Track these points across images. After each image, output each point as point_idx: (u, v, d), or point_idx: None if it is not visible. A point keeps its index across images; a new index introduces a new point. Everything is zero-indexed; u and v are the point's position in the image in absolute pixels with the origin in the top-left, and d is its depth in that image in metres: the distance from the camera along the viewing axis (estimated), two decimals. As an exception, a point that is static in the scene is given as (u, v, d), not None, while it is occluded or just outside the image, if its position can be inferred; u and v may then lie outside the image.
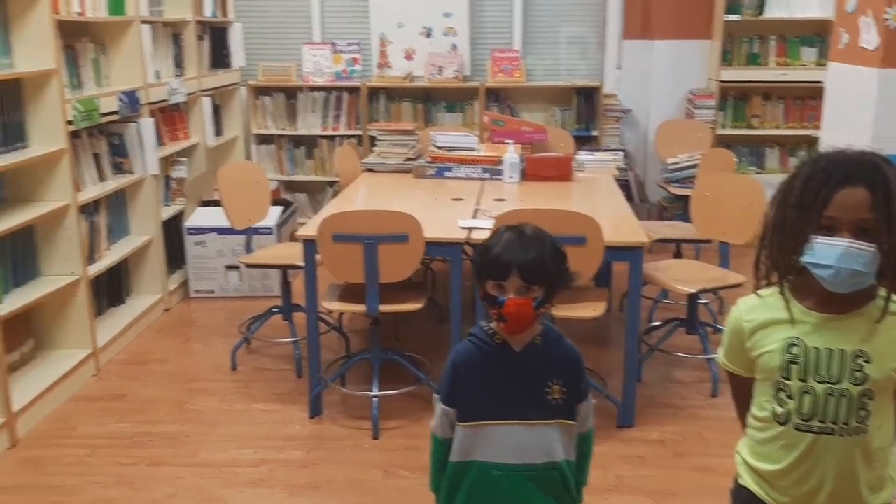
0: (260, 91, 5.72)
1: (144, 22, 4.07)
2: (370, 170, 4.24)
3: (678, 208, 5.60)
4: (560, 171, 4.01)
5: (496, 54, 5.71)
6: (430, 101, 5.76)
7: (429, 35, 5.78)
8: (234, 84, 5.51)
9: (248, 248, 3.78)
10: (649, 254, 3.31)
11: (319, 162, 5.79)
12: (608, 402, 3.17)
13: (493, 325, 1.73)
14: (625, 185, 5.66)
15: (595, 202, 3.58)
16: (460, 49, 5.77)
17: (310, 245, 3.01)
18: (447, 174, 4.09)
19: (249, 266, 3.62)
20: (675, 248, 4.31)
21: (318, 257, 3.01)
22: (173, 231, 4.48)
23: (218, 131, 5.39)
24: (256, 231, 4.03)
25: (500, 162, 4.03)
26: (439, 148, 4.19)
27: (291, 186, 5.85)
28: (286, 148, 5.79)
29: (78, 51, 3.76)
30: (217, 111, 5.41)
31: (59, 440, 3.03)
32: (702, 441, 3.04)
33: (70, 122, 3.37)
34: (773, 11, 5.46)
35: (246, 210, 3.71)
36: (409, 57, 5.82)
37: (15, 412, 2.99)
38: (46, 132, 3.31)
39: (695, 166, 5.24)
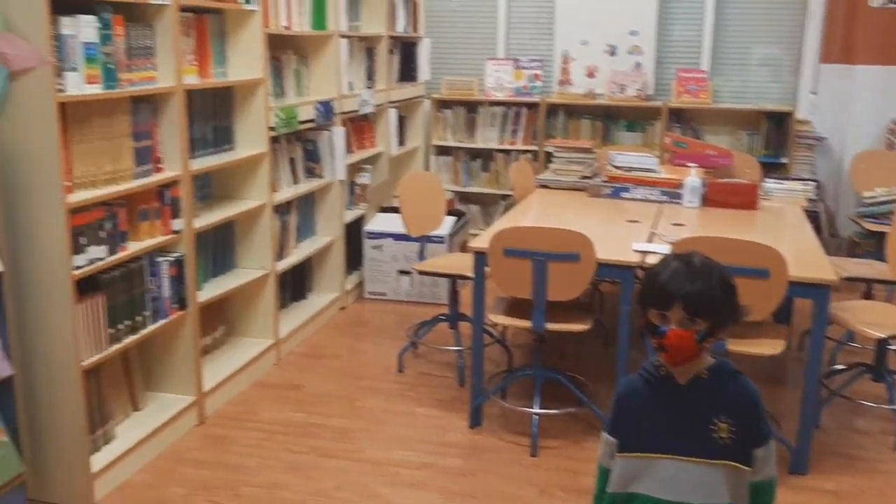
0: (442, 104, 5.89)
1: (343, 36, 4.32)
2: (544, 186, 4.27)
3: (871, 245, 5.22)
4: (744, 199, 3.86)
5: (682, 74, 5.57)
6: (610, 119, 5.71)
7: (613, 53, 5.73)
8: (419, 97, 5.71)
9: (421, 256, 3.92)
10: (836, 292, 3.12)
11: (494, 175, 5.88)
12: (781, 444, 3.01)
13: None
14: (814, 217, 5.34)
15: (780, 234, 3.42)
16: (644, 67, 5.68)
17: (480, 257, 3.08)
18: (623, 195, 4.05)
19: (421, 273, 3.75)
20: (866, 288, 4.01)
21: (487, 270, 3.08)
22: (353, 234, 4.72)
23: (401, 141, 5.61)
24: (430, 239, 4.17)
25: (680, 185, 3.94)
26: (617, 168, 4.15)
27: (466, 198, 5.98)
28: (463, 160, 5.93)
29: (283, 62, 4.05)
30: (401, 122, 5.63)
31: (241, 422, 3.27)
32: (882, 497, 2.82)
33: (272, 129, 3.64)
34: None
35: (422, 219, 3.84)
36: (590, 74, 5.80)
37: (204, 392, 3.26)
38: (251, 136, 3.59)
39: (894, 201, 4.87)
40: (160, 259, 2.94)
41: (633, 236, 3.28)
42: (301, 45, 4.23)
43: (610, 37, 5.71)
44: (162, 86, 2.90)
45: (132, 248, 2.80)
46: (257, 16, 3.47)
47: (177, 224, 3.00)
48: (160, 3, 2.83)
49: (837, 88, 5.43)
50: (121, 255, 2.73)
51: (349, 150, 4.74)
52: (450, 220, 4.69)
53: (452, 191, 5.92)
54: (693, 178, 3.88)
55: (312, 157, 4.26)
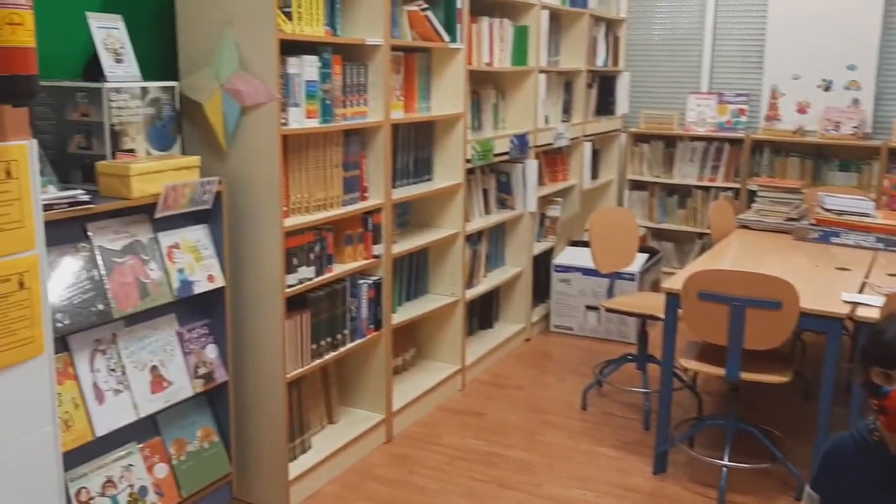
0: (639, 138, 5.81)
1: (542, 72, 4.39)
2: (745, 226, 4.08)
3: None
4: (975, 250, 3.49)
5: (907, 111, 5.14)
6: (822, 158, 5.37)
7: (828, 88, 5.40)
8: (616, 130, 5.67)
9: (610, 293, 3.87)
10: None
11: (691, 212, 5.70)
12: None
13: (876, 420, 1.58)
14: None
15: None
16: (863, 104, 5.30)
17: (673, 299, 3.00)
18: (833, 240, 3.79)
19: (609, 311, 3.70)
20: None
21: (679, 312, 2.99)
22: (541, 266, 4.74)
23: (594, 175, 5.59)
24: (620, 276, 4.12)
25: (899, 232, 3.63)
26: (827, 210, 3.89)
27: (660, 234, 5.84)
28: (658, 195, 5.80)
29: (482, 96, 4.18)
30: (595, 155, 5.61)
31: (425, 444, 3.37)
32: None
33: (468, 161, 3.76)
34: None
35: (613, 255, 3.80)
36: (802, 110, 5.49)
37: (394, 411, 3.40)
38: (448, 168, 3.73)
39: None
40: (361, 282, 3.12)
41: (842, 285, 3.06)
42: (500, 80, 4.35)
43: (825, 71, 5.38)
44: (371, 120, 3.09)
45: (337, 269, 2.99)
46: (461, 54, 3.61)
47: (377, 249, 3.17)
48: (374, 43, 3.03)
49: None
50: (327, 276, 2.93)
51: (541, 183, 4.79)
52: (641, 258, 4.60)
53: (646, 227, 5.80)
54: (915, 224, 3.56)
55: (505, 188, 4.35)
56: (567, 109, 4.96)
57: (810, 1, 5.32)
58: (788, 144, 5.40)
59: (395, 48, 3.26)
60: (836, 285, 3.06)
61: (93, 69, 2.44)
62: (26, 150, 1.78)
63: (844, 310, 2.80)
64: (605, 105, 5.61)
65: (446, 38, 3.53)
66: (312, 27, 2.78)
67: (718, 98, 5.62)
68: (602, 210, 3.87)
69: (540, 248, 4.71)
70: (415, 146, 3.62)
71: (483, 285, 4.16)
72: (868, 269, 3.32)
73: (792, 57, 5.44)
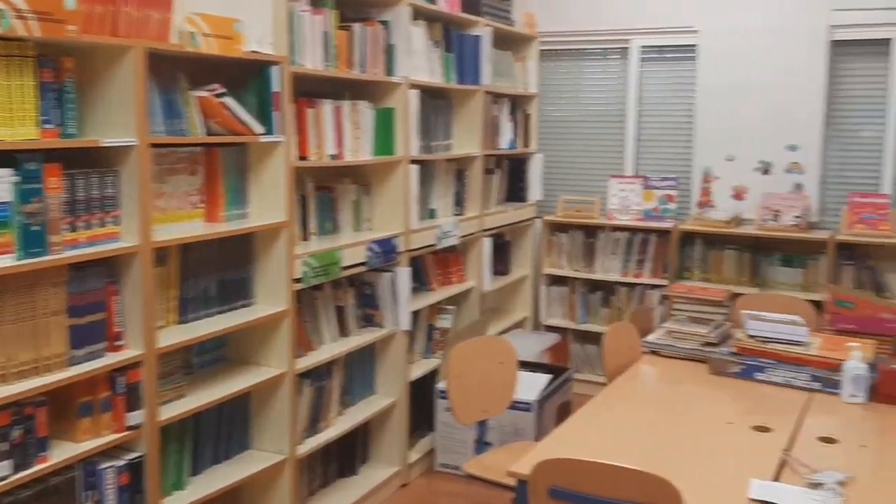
0: (557, 227, 5.08)
1: (415, 162, 3.66)
2: (655, 352, 3.32)
3: None
4: (933, 396, 2.74)
5: (855, 199, 4.45)
6: (762, 251, 4.64)
7: (766, 171, 4.72)
8: (529, 219, 4.94)
9: (479, 446, 3.06)
10: None
11: (616, 312, 4.94)
12: None
13: None
14: None
15: None
16: (807, 189, 4.61)
17: (522, 488, 2.20)
18: (757, 376, 3.02)
19: (472, 477, 2.87)
20: None
21: None
22: (424, 391, 3.94)
23: (504, 271, 4.84)
24: (515, 406, 3.34)
25: (839, 367, 2.87)
26: (751, 336, 3.13)
27: (583, 336, 5.07)
28: (580, 292, 5.04)
29: (337, 193, 3.43)
30: (506, 248, 4.88)
31: None
32: None
33: (298, 280, 2.98)
34: None
35: (480, 400, 3.01)
36: (738, 196, 4.80)
37: None
38: (272, 290, 2.95)
39: None
40: (105, 466, 2.29)
41: (754, 464, 2.28)
42: (362, 173, 3.61)
43: (763, 152, 4.71)
44: (123, 245, 2.31)
45: (59, 455, 2.17)
46: (281, 147, 2.87)
47: (134, 417, 2.36)
48: (120, 144, 2.27)
49: None
50: (38, 468, 2.11)
51: (429, 289, 4.02)
52: (541, 381, 3.81)
53: (565, 328, 5.04)
54: (855, 361, 2.80)
55: (370, 302, 3.57)
56: (460, 201, 4.22)
57: (744, 73, 4.67)
58: (724, 236, 4.68)
59: (175, 145, 2.50)
60: (746, 466, 2.28)
61: None
62: None
63: (749, 515, 2.01)
64: (515, 191, 4.90)
65: (258, 128, 2.78)
66: (15, 128, 2.03)
67: (644, 182, 4.92)
68: (466, 344, 3.06)
69: (425, 367, 3.91)
70: (223, 265, 2.85)
71: (336, 428, 3.34)
72: (796, 428, 2.54)
73: (725, 136, 4.77)
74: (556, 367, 4.08)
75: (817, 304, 3.92)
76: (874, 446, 2.41)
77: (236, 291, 2.90)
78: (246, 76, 2.84)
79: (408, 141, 3.59)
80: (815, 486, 2.12)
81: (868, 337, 3.21)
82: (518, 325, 4.96)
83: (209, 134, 2.66)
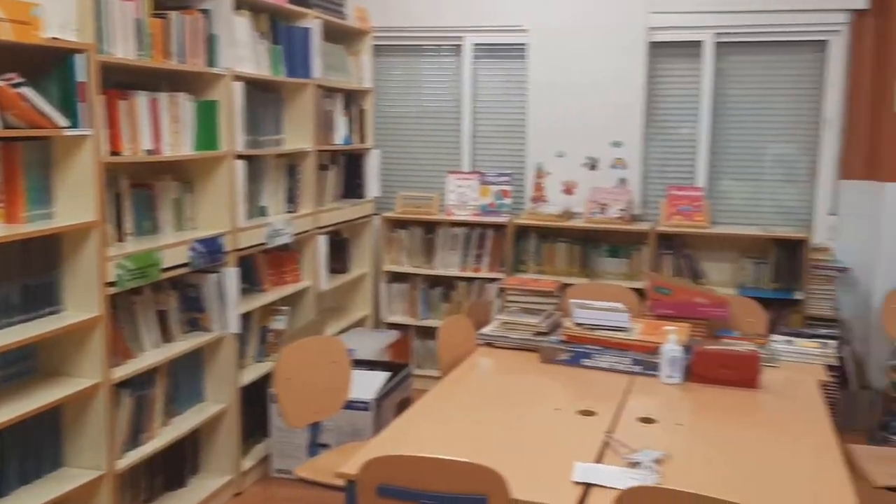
0: (396, 223, 5.06)
1: (241, 157, 3.52)
2: (490, 343, 3.36)
3: (913, 404, 4.23)
4: (741, 374, 2.91)
5: (673, 191, 4.71)
6: (590, 243, 4.83)
7: (593, 167, 4.90)
8: (367, 216, 4.89)
9: (312, 448, 2.98)
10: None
11: (456, 306, 4.99)
12: None
13: None
14: (839, 365, 4.37)
15: (785, 440, 2.45)
16: (630, 184, 4.84)
17: (351, 488, 2.14)
18: (584, 362, 3.12)
19: (305, 481, 2.79)
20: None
21: None
22: (258, 395, 3.81)
23: (343, 268, 4.77)
24: (351, 405, 3.28)
25: (657, 351, 3.01)
26: (578, 324, 3.23)
27: (424, 332, 5.08)
28: (420, 288, 5.05)
29: (157, 191, 3.24)
30: (344, 246, 4.80)
31: None
32: None
33: (112, 284, 2.79)
34: None
35: (312, 401, 2.93)
36: (568, 191, 4.96)
37: None
38: (83, 295, 2.74)
39: (940, 354, 3.89)
40: None
41: (579, 448, 2.34)
42: (184, 170, 3.43)
43: (590, 148, 4.89)
44: None
45: None
46: (88, 142, 2.66)
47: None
48: None
49: (862, 210, 4.53)
50: None
51: (261, 289, 3.89)
52: (379, 379, 3.78)
53: (407, 325, 5.04)
54: (671, 345, 2.95)
55: (195, 305, 3.40)
56: (292, 198, 4.11)
57: (571, 72, 4.83)
58: (556, 229, 4.83)
59: (-43, 139, 2.27)
60: (571, 450, 2.33)
61: None
62: None
63: (572, 499, 2.05)
64: (352, 187, 4.83)
65: (61, 121, 2.57)
66: None
67: (480, 178, 4.99)
68: (298, 345, 2.97)
69: (259, 371, 3.77)
70: (26, 269, 2.61)
71: (160, 439, 3.15)
72: (617, 412, 2.64)
73: (556, 133, 4.92)
74: (395, 365, 4.05)
75: (640, 292, 4.11)
76: (688, 424, 2.54)
77: (42, 298, 2.67)
78: (48, 65, 2.62)
79: (233, 135, 3.45)
80: (634, 464, 2.20)
81: (685, 321, 3.40)
82: (358, 323, 4.90)
83: (6, 127, 2.43)
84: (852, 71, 4.48)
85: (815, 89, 4.58)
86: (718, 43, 4.67)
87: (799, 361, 3.21)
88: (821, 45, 4.54)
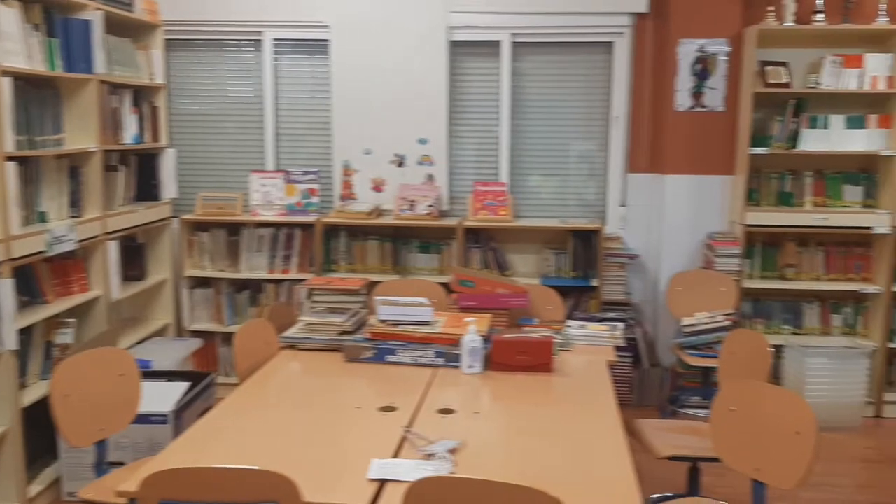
0: (197, 226, 4.84)
1: (11, 158, 3.22)
2: (292, 346, 3.28)
3: (697, 378, 4.59)
4: (536, 360, 3.02)
5: (479, 187, 4.83)
6: (401, 240, 4.85)
7: (401, 164, 4.93)
8: (165, 219, 4.64)
9: (100, 467, 2.77)
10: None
11: (264, 311, 4.85)
12: None
13: None
14: (632, 346, 4.66)
15: (576, 422, 2.56)
16: (437, 180, 4.91)
17: (135, 508, 2.01)
18: (388, 358, 3.12)
19: (89, 503, 2.59)
20: (690, 471, 3.23)
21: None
22: (46, 415, 3.50)
23: (140, 276, 4.50)
24: (148, 420, 3.08)
25: (457, 343, 3.06)
26: (383, 321, 3.23)
27: (230, 339, 4.88)
28: (225, 293, 4.86)
29: None
30: (140, 251, 4.54)
31: None
32: None
33: None
34: (809, 145, 4.54)
35: (96, 418, 2.72)
36: (377, 188, 4.96)
37: None
38: None
39: (716, 330, 4.26)
40: None
41: (379, 443, 2.33)
42: (-56, 172, 3.09)
43: (397, 145, 4.91)
44: None
45: None
46: None
47: None
48: None
49: (648, 201, 4.85)
50: None
51: (44, 301, 3.59)
52: (179, 389, 3.59)
53: (213, 332, 4.84)
54: (471, 336, 3.01)
55: (-37, 323, 3.08)
56: (76, 202, 3.82)
57: (374, 69, 4.82)
58: (366, 227, 4.81)
59: None
60: (369, 447, 2.31)
61: None
62: None
63: (366, 497, 2.03)
64: (147, 189, 4.57)
65: None
66: None
67: (285, 177, 4.87)
68: (75, 359, 2.73)
69: (44, 389, 3.47)
70: None
71: (-79, 472, 2.83)
72: (418, 405, 2.65)
73: (362, 130, 4.90)
74: (197, 374, 3.87)
75: (448, 287, 4.17)
76: (485, 412, 2.60)
77: None
78: None
79: (1, 135, 3.15)
80: (429, 456, 2.21)
81: (488, 312, 3.48)
82: (159, 332, 4.64)
83: None
84: (635, 71, 4.78)
85: (605, 88, 4.85)
86: (515, 43, 4.83)
87: (591, 344, 3.37)
88: (608, 47, 4.81)
